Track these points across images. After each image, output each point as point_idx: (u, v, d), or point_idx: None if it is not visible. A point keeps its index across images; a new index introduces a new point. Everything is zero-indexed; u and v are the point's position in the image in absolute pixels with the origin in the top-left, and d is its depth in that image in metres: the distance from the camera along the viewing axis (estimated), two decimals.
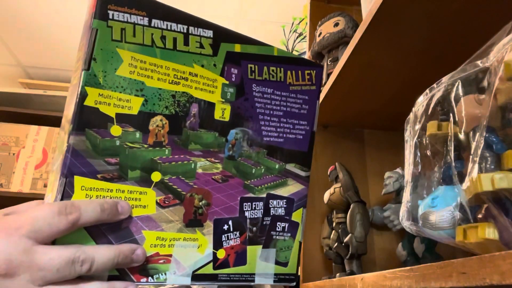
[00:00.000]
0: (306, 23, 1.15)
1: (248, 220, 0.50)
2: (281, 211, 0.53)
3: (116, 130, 0.43)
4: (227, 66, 0.49)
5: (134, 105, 0.43)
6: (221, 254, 0.48)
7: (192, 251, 0.46)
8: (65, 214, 0.37)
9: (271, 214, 0.52)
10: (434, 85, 0.44)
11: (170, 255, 0.45)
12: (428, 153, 0.44)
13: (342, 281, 0.59)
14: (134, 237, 0.43)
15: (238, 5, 2.01)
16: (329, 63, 0.88)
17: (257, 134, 0.52)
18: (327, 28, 0.90)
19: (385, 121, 0.95)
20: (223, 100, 0.49)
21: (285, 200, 0.53)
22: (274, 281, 0.52)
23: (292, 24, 1.74)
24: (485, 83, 0.36)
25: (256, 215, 0.51)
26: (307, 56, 1.03)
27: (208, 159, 0.48)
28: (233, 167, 0.50)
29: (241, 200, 0.50)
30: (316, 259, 0.89)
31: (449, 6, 0.53)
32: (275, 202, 0.53)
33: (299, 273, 0.99)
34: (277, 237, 0.52)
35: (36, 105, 2.24)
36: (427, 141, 0.44)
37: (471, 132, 0.37)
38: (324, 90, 0.82)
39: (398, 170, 0.72)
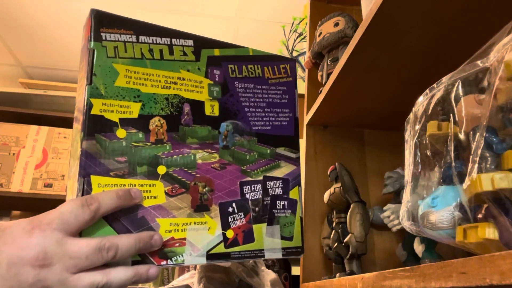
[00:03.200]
0: (306, 23, 1.15)
1: (250, 202, 0.56)
2: (278, 191, 0.58)
3: (121, 132, 0.48)
4: (210, 69, 0.56)
5: (133, 109, 0.50)
6: (230, 234, 0.53)
7: (204, 233, 0.51)
8: (87, 205, 0.42)
9: (270, 194, 0.57)
10: (434, 85, 0.44)
11: (184, 239, 0.50)
12: (428, 153, 0.44)
13: (342, 281, 0.59)
14: (150, 225, 0.48)
15: (238, 5, 2.01)
16: (329, 63, 0.88)
17: (246, 125, 0.58)
18: (327, 28, 0.90)
19: (385, 121, 0.95)
20: (211, 98, 0.55)
21: (280, 181, 0.59)
22: (283, 255, 0.57)
23: (292, 24, 1.73)
24: (485, 83, 0.36)
25: (256, 196, 0.56)
26: (307, 56, 1.03)
27: (205, 150, 0.54)
28: (229, 155, 0.56)
29: (240, 184, 0.55)
30: (316, 259, 0.89)
31: (449, 6, 0.53)
32: (272, 183, 0.58)
33: (296, 274, 0.99)
34: (279, 214, 0.57)
35: (36, 105, 2.24)
36: (427, 141, 0.44)
37: (471, 132, 0.37)
38: (324, 90, 0.82)
39: (398, 170, 0.72)
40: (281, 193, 0.58)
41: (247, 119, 0.58)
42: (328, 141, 0.98)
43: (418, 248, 0.59)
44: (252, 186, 0.56)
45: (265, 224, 0.56)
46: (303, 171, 0.95)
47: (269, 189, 0.57)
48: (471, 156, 0.34)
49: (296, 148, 0.61)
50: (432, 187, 0.43)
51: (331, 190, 0.81)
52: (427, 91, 0.45)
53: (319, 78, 0.92)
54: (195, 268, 1.16)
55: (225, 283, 0.84)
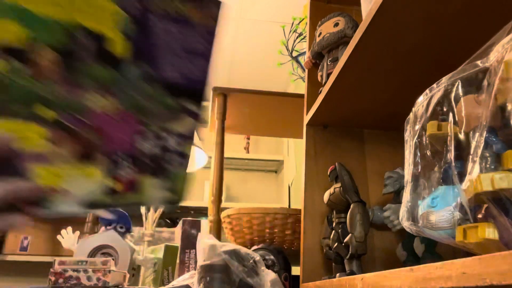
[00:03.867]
0: (306, 23, 1.15)
1: (139, 152, 0.51)
2: (173, 144, 0.54)
3: None
4: None
5: (16, 35, 0.39)
6: (113, 183, 0.49)
7: (86, 182, 0.47)
8: None
9: (163, 146, 0.53)
10: (434, 85, 0.44)
11: (64, 188, 0.45)
12: (428, 153, 0.44)
13: (342, 281, 0.59)
14: (27, 173, 0.42)
15: (238, 5, 2.01)
16: (329, 63, 0.88)
17: (154, 70, 0.50)
18: (327, 28, 0.90)
19: (385, 121, 0.95)
20: (121, 34, 0.45)
21: (176, 135, 0.54)
22: (160, 203, 0.56)
23: (292, 24, 1.74)
24: (485, 83, 0.36)
25: (147, 147, 0.52)
26: (307, 56, 1.03)
27: (101, 93, 0.46)
28: (127, 102, 0.49)
29: (133, 134, 0.50)
30: (316, 259, 0.89)
31: (449, 6, 0.53)
32: (167, 135, 0.53)
33: (296, 274, 0.99)
34: (168, 167, 0.54)
35: None
36: (427, 141, 0.44)
37: (471, 132, 0.37)
38: (324, 90, 0.82)
39: (398, 170, 0.72)
40: (175, 147, 0.54)
41: (157, 65, 0.50)
42: (328, 141, 0.98)
43: (418, 248, 0.60)
44: (145, 136, 0.51)
45: (152, 176, 0.53)
46: (301, 170, 0.95)
47: (163, 142, 0.53)
48: (471, 156, 0.34)
49: (200, 103, 0.56)
50: (432, 187, 0.43)
51: (331, 190, 0.81)
52: (427, 91, 0.45)
53: (319, 78, 0.92)
54: (195, 268, 1.16)
55: (225, 283, 0.84)
